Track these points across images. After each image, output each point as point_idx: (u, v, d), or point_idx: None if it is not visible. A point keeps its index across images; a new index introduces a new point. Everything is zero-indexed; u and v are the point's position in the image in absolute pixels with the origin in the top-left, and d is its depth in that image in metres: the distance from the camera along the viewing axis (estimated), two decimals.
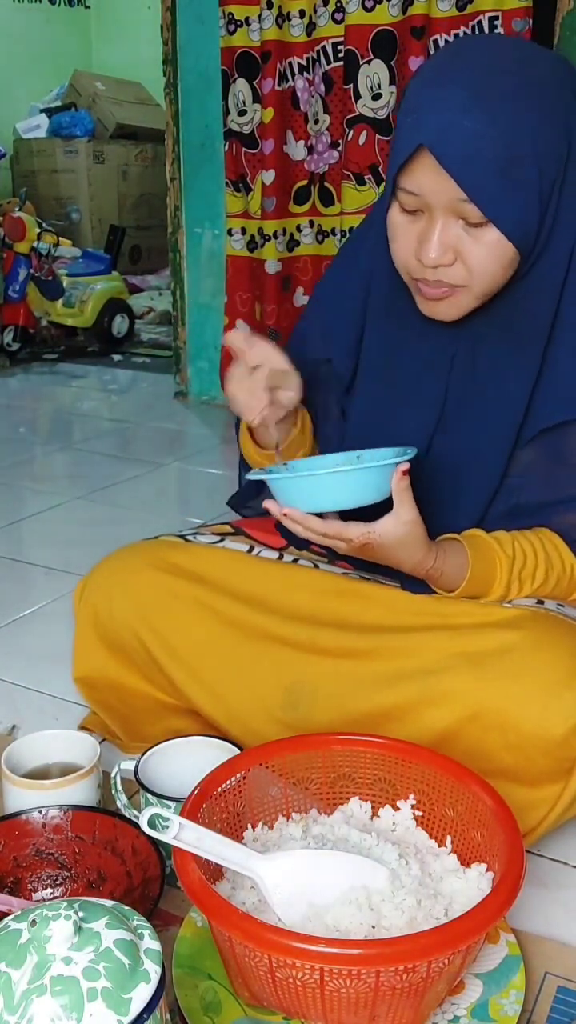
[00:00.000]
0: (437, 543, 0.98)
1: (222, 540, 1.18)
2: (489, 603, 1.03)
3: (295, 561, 1.14)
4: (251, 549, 1.16)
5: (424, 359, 1.05)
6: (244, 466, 1.18)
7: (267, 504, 0.95)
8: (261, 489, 1.20)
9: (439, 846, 0.90)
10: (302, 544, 1.15)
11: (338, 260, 1.17)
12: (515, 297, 0.98)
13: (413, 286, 0.98)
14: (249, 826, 0.91)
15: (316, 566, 1.13)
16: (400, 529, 0.93)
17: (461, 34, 2.27)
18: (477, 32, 2.26)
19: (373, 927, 0.78)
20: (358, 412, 1.10)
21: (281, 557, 1.14)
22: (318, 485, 0.92)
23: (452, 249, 0.92)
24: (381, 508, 0.93)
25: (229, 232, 2.77)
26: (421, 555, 0.96)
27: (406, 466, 0.91)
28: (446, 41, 2.27)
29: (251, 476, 0.98)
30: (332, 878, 0.80)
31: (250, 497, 1.22)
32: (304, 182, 2.65)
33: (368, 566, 1.11)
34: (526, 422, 1.01)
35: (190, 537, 1.18)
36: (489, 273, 0.93)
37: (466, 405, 1.03)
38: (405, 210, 0.94)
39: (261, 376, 0.98)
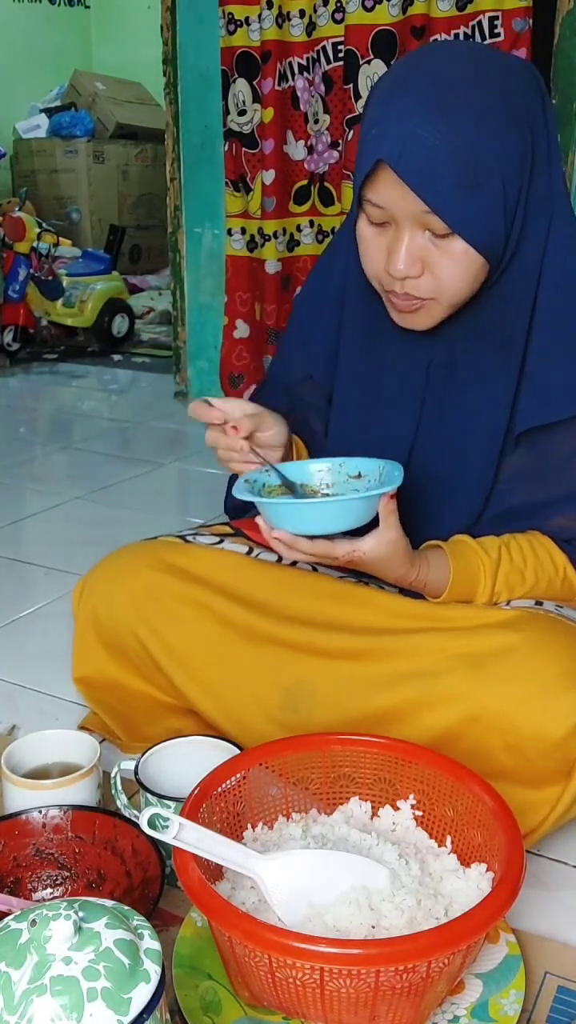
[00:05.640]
0: (420, 553, 1.00)
1: (221, 541, 1.18)
2: (483, 606, 1.03)
3: (294, 564, 1.14)
4: (250, 551, 1.16)
5: (400, 367, 1.05)
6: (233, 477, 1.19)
7: (258, 521, 0.96)
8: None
9: (439, 846, 0.90)
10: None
11: (313, 274, 1.17)
12: (488, 304, 0.98)
13: (385, 297, 0.99)
14: (249, 826, 0.91)
15: (314, 569, 1.13)
16: (383, 547, 0.95)
17: (461, 34, 2.27)
18: (477, 32, 2.26)
19: (373, 927, 0.78)
20: (337, 420, 1.11)
21: (280, 559, 1.14)
22: (306, 512, 0.93)
23: (420, 261, 0.92)
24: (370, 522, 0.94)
25: (229, 232, 2.77)
26: (403, 570, 0.98)
27: (394, 491, 0.92)
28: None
29: (236, 493, 0.97)
30: (332, 878, 0.80)
31: (241, 506, 1.23)
32: (304, 182, 2.65)
33: (364, 573, 1.12)
34: (511, 425, 1.01)
35: (189, 538, 1.18)
36: (457, 284, 0.93)
37: (446, 411, 1.04)
38: (373, 222, 0.94)
39: (233, 431, 0.99)
